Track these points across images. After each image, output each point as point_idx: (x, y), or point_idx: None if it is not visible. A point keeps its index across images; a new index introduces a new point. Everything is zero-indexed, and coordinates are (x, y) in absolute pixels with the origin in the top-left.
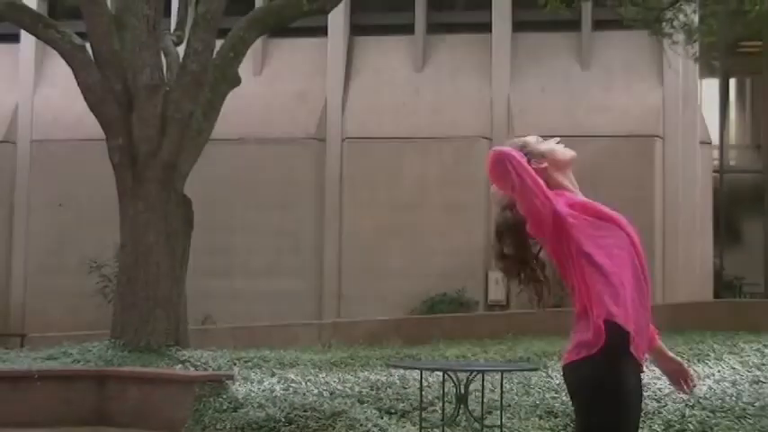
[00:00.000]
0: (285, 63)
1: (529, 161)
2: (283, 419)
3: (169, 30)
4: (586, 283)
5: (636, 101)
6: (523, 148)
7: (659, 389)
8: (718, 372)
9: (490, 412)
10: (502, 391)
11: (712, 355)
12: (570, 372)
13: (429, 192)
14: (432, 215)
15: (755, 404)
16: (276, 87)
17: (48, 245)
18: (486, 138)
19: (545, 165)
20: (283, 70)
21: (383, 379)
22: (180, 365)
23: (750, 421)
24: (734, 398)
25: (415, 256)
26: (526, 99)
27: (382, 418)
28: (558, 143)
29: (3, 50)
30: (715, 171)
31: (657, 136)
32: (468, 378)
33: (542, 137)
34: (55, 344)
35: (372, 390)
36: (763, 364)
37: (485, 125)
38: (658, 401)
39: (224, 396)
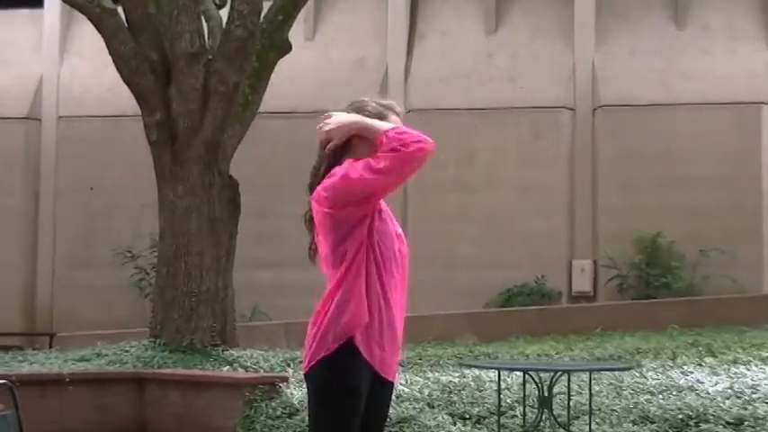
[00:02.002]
0: (341, 26)
1: None
2: None
3: None
4: None
5: (739, 64)
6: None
7: None
8: None
9: (577, 417)
10: (591, 394)
11: None
12: None
13: (504, 170)
14: (508, 196)
15: None
16: (331, 54)
17: (77, 234)
18: (569, 108)
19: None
20: (339, 35)
21: (456, 380)
22: (227, 367)
23: None
24: None
25: (489, 243)
26: (613, 64)
27: (455, 424)
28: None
29: (24, 16)
30: None
31: (765, 103)
32: (551, 379)
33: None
34: (87, 344)
35: (444, 393)
36: None
37: (567, 94)
38: None
39: (277, 401)
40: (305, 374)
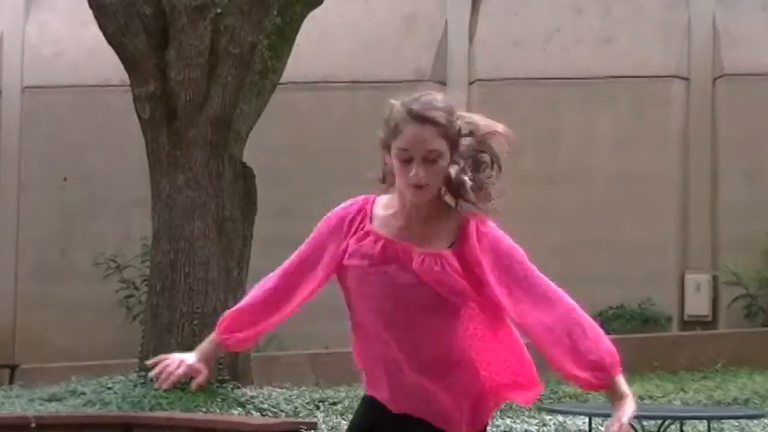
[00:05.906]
0: None
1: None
2: None
3: None
4: None
5: None
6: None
7: None
8: None
9: None
10: None
11: None
12: None
13: (595, 156)
14: (599, 190)
15: None
16: (374, 8)
17: (47, 237)
18: (682, 77)
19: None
20: None
21: (533, 429)
22: (239, 410)
23: None
24: None
25: (576, 252)
26: (740, 21)
27: None
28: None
29: None
30: None
31: None
32: (659, 429)
33: None
34: (59, 378)
35: None
36: None
37: (679, 60)
38: None
39: None
40: None
